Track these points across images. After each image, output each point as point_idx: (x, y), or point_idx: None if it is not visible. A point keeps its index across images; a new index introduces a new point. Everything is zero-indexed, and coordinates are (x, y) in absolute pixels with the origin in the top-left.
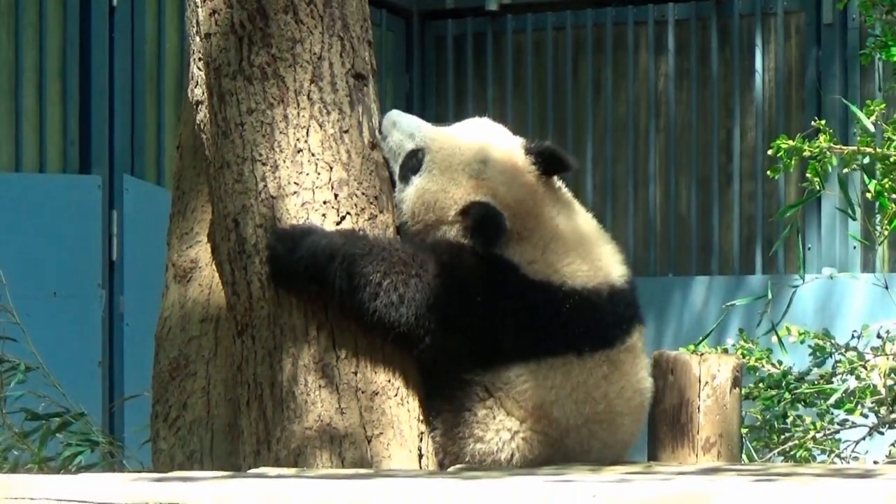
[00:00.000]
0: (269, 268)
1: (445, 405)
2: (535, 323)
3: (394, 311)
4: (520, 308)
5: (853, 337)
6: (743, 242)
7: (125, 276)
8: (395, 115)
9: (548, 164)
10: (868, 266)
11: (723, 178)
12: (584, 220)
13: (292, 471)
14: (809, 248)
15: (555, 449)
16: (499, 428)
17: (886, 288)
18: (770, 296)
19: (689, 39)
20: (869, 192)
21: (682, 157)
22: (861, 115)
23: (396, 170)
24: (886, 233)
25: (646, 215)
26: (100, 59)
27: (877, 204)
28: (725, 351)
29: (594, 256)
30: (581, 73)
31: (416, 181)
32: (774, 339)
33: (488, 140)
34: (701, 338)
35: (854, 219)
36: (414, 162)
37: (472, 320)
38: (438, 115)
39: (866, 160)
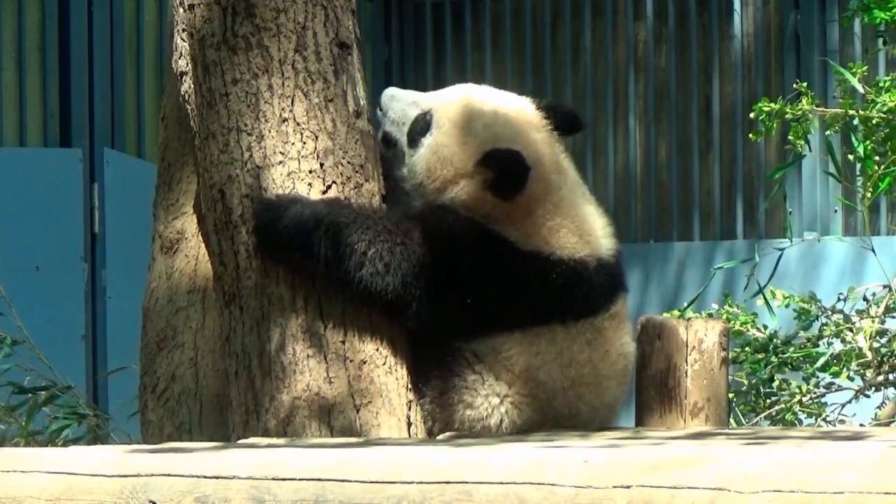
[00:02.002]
0: (255, 237)
1: (434, 371)
2: (521, 292)
3: (380, 279)
4: (507, 276)
5: (839, 300)
6: (723, 207)
7: (107, 249)
8: (392, 90)
9: (563, 120)
10: (849, 229)
11: (702, 142)
12: (581, 192)
13: (283, 440)
14: (791, 212)
15: (543, 412)
16: (488, 393)
17: (873, 251)
18: (757, 258)
19: (667, 4)
20: (852, 154)
21: (662, 123)
22: (849, 75)
23: (403, 139)
24: (870, 195)
25: (626, 181)
26: (79, 31)
27: (859, 166)
28: (710, 316)
29: (585, 230)
30: (559, 40)
31: (428, 140)
32: (759, 302)
33: (496, 96)
34: (686, 303)
35: (840, 181)
36: (422, 124)
37: (459, 288)
38: (418, 83)
39: (855, 122)
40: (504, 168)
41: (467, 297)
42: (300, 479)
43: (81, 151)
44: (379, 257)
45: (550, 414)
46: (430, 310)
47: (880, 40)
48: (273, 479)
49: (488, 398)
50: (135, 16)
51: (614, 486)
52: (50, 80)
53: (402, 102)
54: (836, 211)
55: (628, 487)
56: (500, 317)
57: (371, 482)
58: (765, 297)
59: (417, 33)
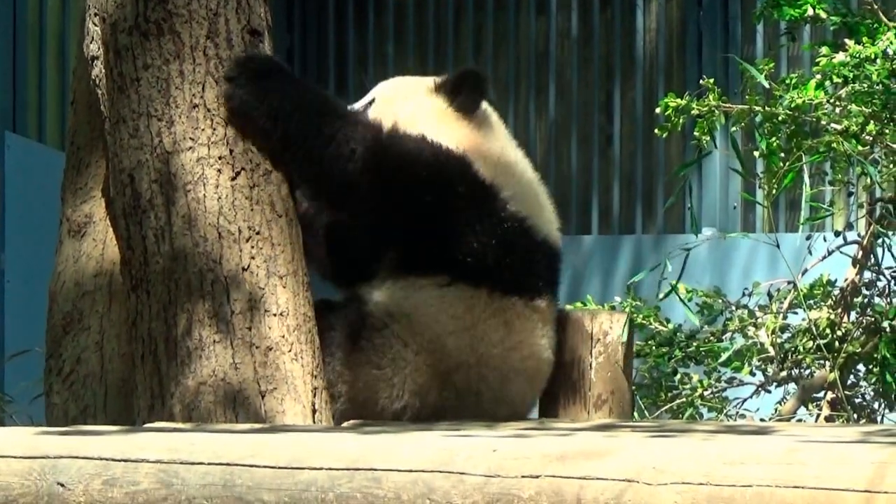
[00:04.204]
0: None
1: (345, 332)
2: (467, 227)
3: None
4: (460, 201)
5: (744, 295)
6: (623, 202)
7: (6, 233)
8: None
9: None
10: (748, 226)
11: (602, 138)
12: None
13: (189, 425)
14: (689, 208)
15: (444, 382)
16: (394, 356)
17: (778, 247)
18: (668, 261)
19: None
20: (756, 150)
21: (563, 117)
22: (756, 72)
23: None
24: (775, 192)
25: None
26: None
27: (762, 163)
28: (613, 308)
29: (538, 202)
30: (462, 32)
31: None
32: (661, 296)
33: None
34: (588, 297)
35: (746, 177)
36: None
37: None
38: (320, 74)
39: (759, 118)
40: (463, 78)
41: (419, 217)
42: (209, 464)
43: None
44: (345, 142)
45: (451, 388)
46: (378, 218)
47: (783, 38)
48: (181, 463)
49: (395, 361)
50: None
51: (523, 476)
52: None
53: None
54: (734, 207)
55: (537, 477)
56: (439, 253)
57: (280, 468)
58: (678, 295)
59: (320, 23)
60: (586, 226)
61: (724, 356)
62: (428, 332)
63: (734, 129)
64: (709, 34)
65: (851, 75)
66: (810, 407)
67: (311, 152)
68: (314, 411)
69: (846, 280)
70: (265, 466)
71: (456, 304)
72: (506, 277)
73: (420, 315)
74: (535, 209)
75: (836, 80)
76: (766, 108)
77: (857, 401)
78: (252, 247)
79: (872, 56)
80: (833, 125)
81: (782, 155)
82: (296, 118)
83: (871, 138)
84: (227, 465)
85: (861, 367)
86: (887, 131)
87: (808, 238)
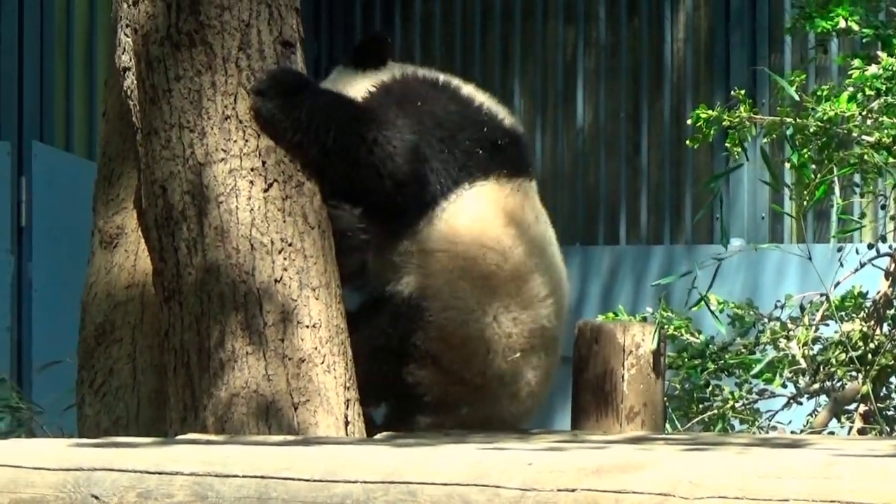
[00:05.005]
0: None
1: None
2: (477, 139)
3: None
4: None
5: (776, 307)
6: (651, 212)
7: (34, 243)
8: None
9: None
10: (776, 237)
11: (630, 147)
12: None
13: (221, 437)
14: (717, 218)
15: (496, 274)
16: (461, 294)
17: (810, 258)
18: (697, 270)
19: (598, 8)
20: (788, 162)
21: (591, 126)
22: (786, 84)
23: None
24: (806, 204)
25: (554, 184)
26: (9, 24)
27: (792, 174)
28: (644, 319)
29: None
30: (489, 41)
31: None
32: (694, 308)
33: None
34: (623, 309)
35: (777, 189)
36: None
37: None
38: None
39: (789, 131)
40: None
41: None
42: (243, 477)
43: (10, 145)
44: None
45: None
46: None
47: (814, 50)
48: (216, 475)
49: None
50: (65, 9)
51: (559, 490)
52: None
53: None
54: (763, 217)
55: (573, 491)
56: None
57: (315, 481)
58: (707, 305)
59: (347, 31)
60: (614, 235)
61: (756, 368)
62: (465, 219)
63: (765, 140)
64: (737, 43)
65: (884, 87)
66: (842, 419)
67: (357, 160)
68: (347, 423)
69: (878, 292)
70: (300, 479)
71: (478, 198)
72: (507, 163)
73: (458, 204)
74: (500, 110)
75: (868, 92)
76: (798, 120)
77: (889, 413)
78: (284, 258)
79: None
80: (865, 137)
81: (813, 167)
82: (333, 132)
83: None
84: (262, 477)
85: (893, 379)
86: None
87: (840, 250)
